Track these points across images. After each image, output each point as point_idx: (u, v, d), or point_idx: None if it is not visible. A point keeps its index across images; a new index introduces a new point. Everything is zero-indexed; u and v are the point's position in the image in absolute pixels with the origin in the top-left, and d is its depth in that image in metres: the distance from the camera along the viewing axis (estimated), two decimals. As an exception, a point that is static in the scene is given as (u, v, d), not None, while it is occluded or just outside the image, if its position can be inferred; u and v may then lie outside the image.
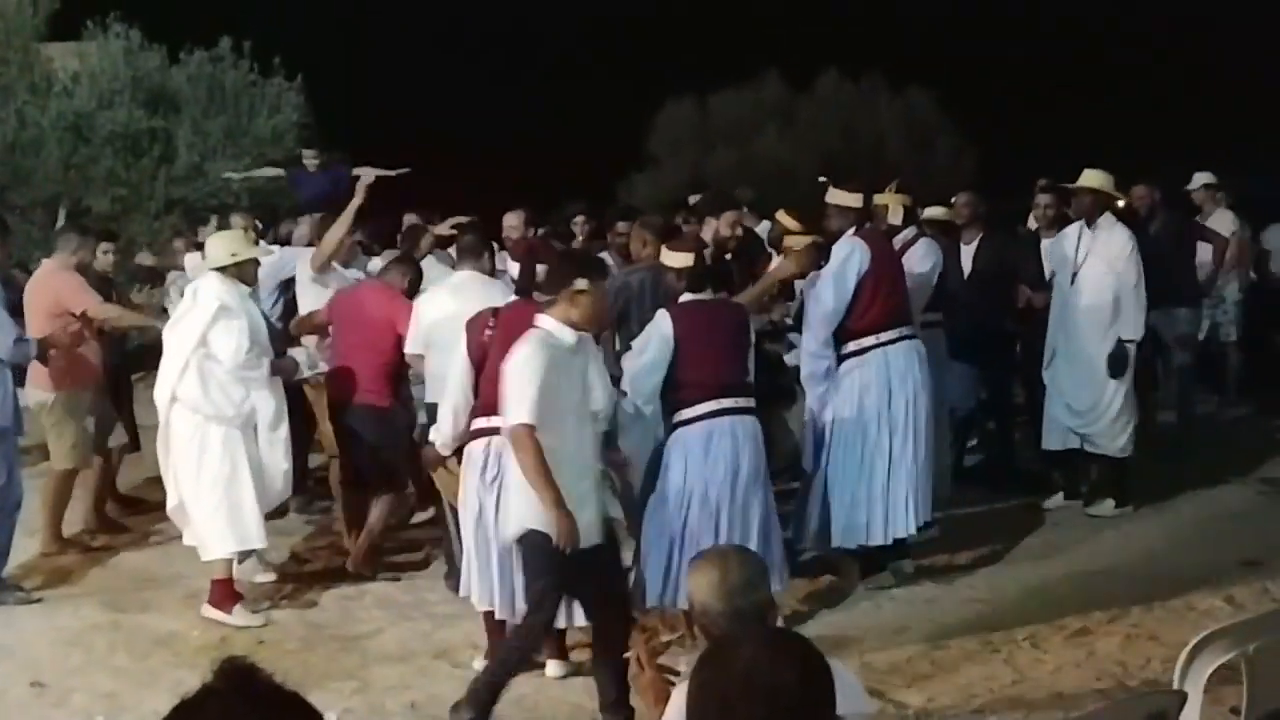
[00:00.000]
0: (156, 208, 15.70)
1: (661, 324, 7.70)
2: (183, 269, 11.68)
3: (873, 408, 8.43)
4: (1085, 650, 7.38)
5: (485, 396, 7.16)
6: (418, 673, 7.39)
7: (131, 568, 9.19)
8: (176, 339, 8.15)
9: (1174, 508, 9.91)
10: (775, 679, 2.28)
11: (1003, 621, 7.87)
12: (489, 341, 7.16)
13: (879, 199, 9.49)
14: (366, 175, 10.34)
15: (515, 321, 7.19)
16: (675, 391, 7.63)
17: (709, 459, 7.55)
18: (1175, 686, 4.05)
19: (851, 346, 8.50)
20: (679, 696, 3.54)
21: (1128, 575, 8.65)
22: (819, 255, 9.10)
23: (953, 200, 10.96)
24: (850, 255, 8.48)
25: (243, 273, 8.27)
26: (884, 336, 8.47)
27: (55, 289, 9.33)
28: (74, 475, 9.46)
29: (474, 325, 7.30)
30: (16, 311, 9.05)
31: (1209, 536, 9.40)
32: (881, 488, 8.42)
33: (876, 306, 8.47)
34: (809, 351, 8.60)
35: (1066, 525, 9.40)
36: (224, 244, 8.42)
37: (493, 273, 8.45)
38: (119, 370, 10.63)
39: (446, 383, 7.40)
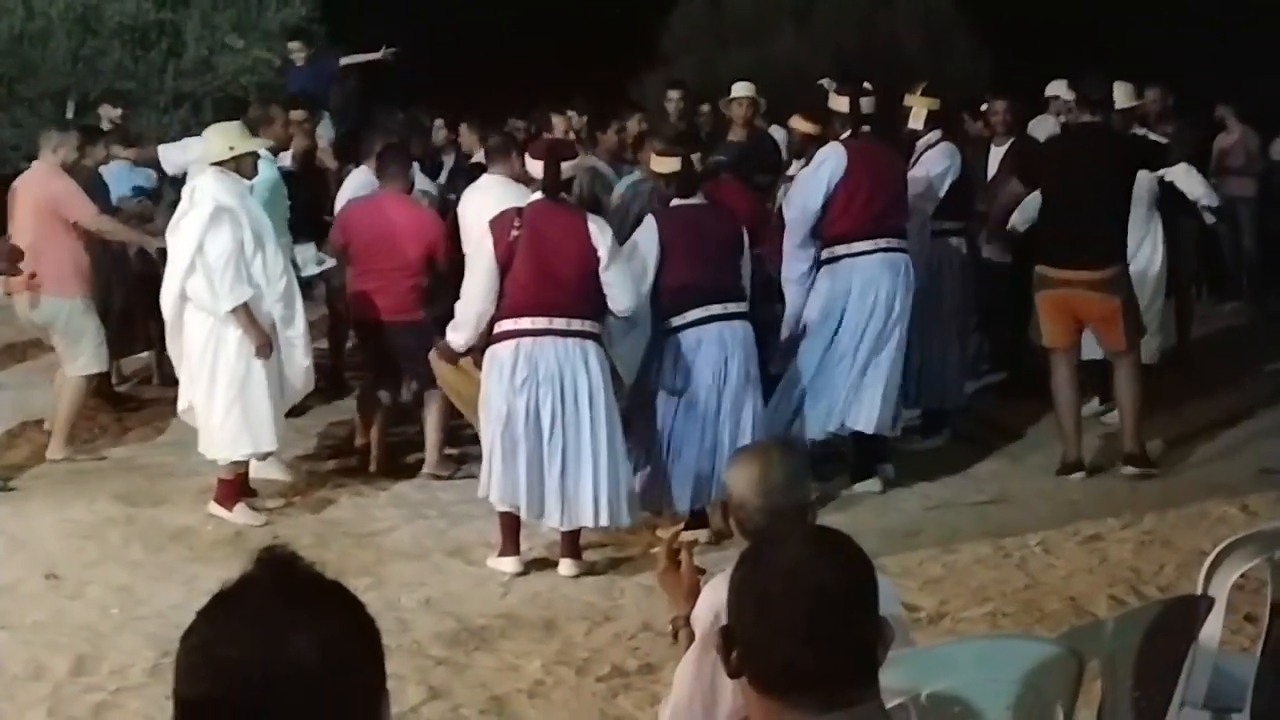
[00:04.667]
0: (165, 101, 15.58)
1: (648, 229, 7.66)
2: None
3: (843, 313, 8.36)
4: (1098, 556, 7.40)
5: (511, 297, 7.14)
6: (432, 569, 7.42)
7: (146, 462, 9.19)
8: (179, 240, 7.97)
9: (1189, 415, 9.84)
10: (819, 577, 2.25)
11: (1015, 526, 7.90)
12: (514, 243, 7.10)
13: (906, 101, 9.39)
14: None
15: (542, 221, 7.14)
16: (664, 297, 7.62)
17: (696, 365, 7.58)
18: (1199, 592, 4.02)
19: (824, 254, 8.47)
20: (710, 592, 3.53)
21: (1142, 481, 8.65)
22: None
23: (983, 107, 10.78)
24: (824, 162, 8.45)
25: (241, 166, 8.05)
26: (855, 247, 8.39)
27: (50, 193, 9.13)
28: (94, 380, 9.41)
29: (499, 225, 7.19)
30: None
31: (1225, 444, 9.39)
32: (841, 382, 8.35)
33: (850, 215, 8.36)
34: (786, 253, 8.57)
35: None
36: (220, 138, 8.13)
37: (517, 176, 8.28)
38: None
39: (468, 283, 7.34)
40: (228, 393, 7.95)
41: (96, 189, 9.87)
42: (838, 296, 8.37)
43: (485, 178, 8.48)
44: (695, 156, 8.01)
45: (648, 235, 7.64)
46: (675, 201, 7.76)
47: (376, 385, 9.02)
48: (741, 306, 7.77)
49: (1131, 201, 8.70)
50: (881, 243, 8.43)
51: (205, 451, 8.17)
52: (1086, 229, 8.44)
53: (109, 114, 11.96)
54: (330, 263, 9.06)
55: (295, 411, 9.01)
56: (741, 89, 10.97)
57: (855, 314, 8.35)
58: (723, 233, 7.81)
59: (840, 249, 8.41)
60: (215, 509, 8.04)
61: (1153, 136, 9.80)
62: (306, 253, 8.90)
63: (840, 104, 8.58)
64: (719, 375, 7.59)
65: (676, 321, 7.63)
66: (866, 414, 8.36)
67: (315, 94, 11.10)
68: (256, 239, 7.95)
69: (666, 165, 7.82)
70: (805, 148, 9.60)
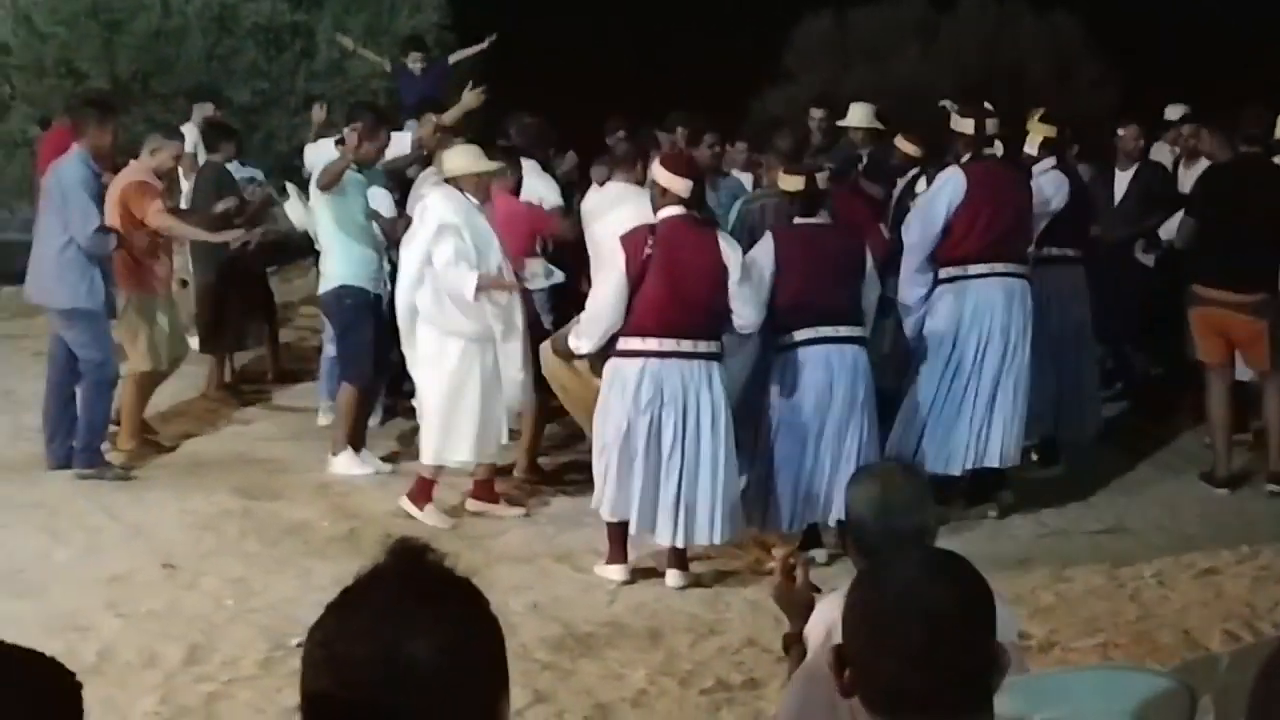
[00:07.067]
0: (296, 103, 15.78)
1: (765, 246, 7.64)
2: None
3: (958, 338, 8.29)
4: (1213, 589, 7.28)
5: (639, 316, 7.14)
6: (539, 574, 7.47)
7: (265, 457, 9.34)
8: (408, 255, 8.19)
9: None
10: (934, 602, 2.24)
11: (1129, 556, 7.80)
12: (647, 260, 7.11)
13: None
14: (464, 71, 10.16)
15: (676, 238, 7.15)
16: (775, 316, 7.56)
17: (800, 386, 7.53)
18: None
19: (943, 274, 8.39)
20: (824, 609, 3.53)
21: (1259, 515, 8.53)
22: None
23: (1119, 132, 10.66)
24: (943, 186, 8.38)
25: (466, 186, 8.15)
26: (972, 269, 8.32)
27: (124, 191, 9.11)
28: (151, 378, 9.30)
29: (632, 241, 7.18)
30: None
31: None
32: (968, 417, 8.29)
33: (972, 239, 8.28)
34: (903, 277, 8.51)
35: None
36: (449, 160, 8.32)
37: (641, 184, 8.17)
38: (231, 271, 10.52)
39: (597, 296, 7.36)
40: (440, 403, 8.15)
41: (222, 185, 10.09)
42: (954, 319, 8.30)
43: (611, 185, 8.47)
44: (821, 175, 7.98)
45: (764, 252, 7.60)
46: (798, 220, 7.75)
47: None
48: (855, 330, 7.68)
49: None
50: (999, 266, 8.36)
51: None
52: (1243, 254, 8.68)
53: (203, 111, 12.00)
54: (558, 276, 8.94)
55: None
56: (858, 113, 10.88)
57: (973, 337, 8.29)
58: (843, 253, 7.71)
59: (957, 270, 8.34)
60: (405, 504, 8.18)
61: None
62: (535, 266, 8.85)
63: (965, 126, 8.48)
64: (823, 398, 7.52)
65: (784, 340, 7.60)
66: (994, 449, 8.34)
67: (437, 99, 11.04)
68: (480, 254, 8.07)
69: (791, 183, 7.78)
70: (905, 168, 9.54)
